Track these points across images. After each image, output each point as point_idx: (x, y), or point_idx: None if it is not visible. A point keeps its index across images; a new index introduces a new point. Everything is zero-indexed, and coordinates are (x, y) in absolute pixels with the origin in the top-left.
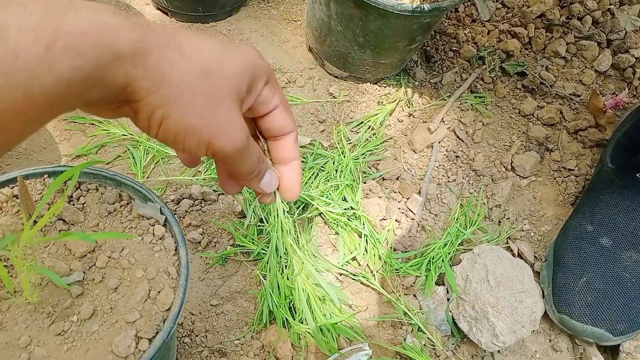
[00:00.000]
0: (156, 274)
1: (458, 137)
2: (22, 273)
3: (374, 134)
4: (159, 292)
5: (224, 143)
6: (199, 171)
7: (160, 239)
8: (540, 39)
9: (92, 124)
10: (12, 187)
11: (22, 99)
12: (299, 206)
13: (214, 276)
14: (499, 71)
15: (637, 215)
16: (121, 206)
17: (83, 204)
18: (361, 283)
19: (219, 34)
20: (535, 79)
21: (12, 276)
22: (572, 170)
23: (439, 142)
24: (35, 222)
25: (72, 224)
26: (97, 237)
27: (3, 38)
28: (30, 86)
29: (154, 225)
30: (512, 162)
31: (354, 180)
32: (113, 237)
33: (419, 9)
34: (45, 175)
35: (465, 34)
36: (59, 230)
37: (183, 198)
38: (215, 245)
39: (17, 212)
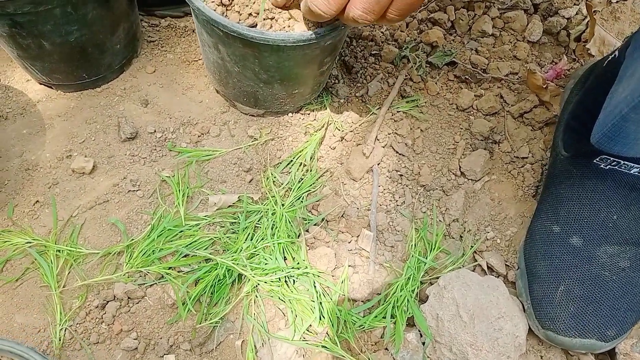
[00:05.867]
0: None
1: (397, 152)
2: None
3: (307, 171)
4: None
5: None
6: (120, 264)
7: None
8: (462, 20)
9: None
10: None
11: None
12: (234, 279)
13: None
14: (426, 67)
15: (603, 205)
16: None
17: None
18: (327, 350)
19: (114, 96)
20: (467, 67)
21: None
22: (526, 158)
23: (378, 164)
24: None
25: None
26: None
27: None
28: None
29: None
30: (460, 167)
31: (289, 236)
32: None
33: (313, 36)
34: None
35: (382, 32)
36: None
37: (107, 301)
38: (154, 348)
39: None
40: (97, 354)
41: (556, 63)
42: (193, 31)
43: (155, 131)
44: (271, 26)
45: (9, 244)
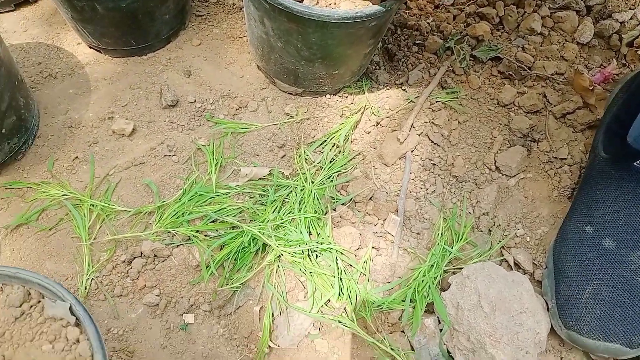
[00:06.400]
0: None
1: (432, 141)
2: None
3: (339, 152)
4: None
5: None
6: (150, 223)
7: (76, 342)
8: (511, 16)
9: (30, 187)
10: None
11: None
12: (258, 247)
13: (176, 342)
14: (470, 60)
15: None
16: (31, 307)
17: None
18: (343, 325)
19: (159, 64)
20: (512, 63)
21: None
22: (565, 159)
23: (412, 151)
24: None
25: None
26: None
27: None
28: None
29: (66, 327)
30: (495, 161)
31: (316, 212)
32: None
33: (358, 15)
34: None
35: (428, 23)
36: None
37: (134, 257)
38: (175, 306)
39: None
40: (120, 306)
41: (605, 67)
42: (240, 9)
43: (195, 101)
44: (317, 2)
45: (46, 194)
